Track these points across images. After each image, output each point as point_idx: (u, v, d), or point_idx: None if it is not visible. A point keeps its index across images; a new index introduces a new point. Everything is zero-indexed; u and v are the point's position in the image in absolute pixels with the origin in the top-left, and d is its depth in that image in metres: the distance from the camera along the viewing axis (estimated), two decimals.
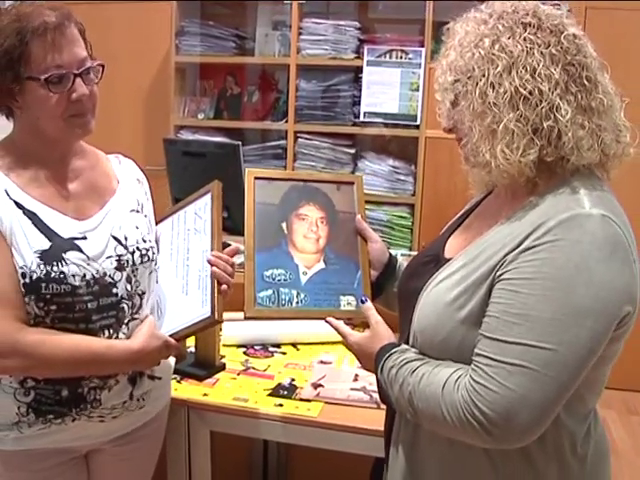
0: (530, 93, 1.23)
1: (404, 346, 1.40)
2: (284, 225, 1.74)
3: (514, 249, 1.22)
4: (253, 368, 2.27)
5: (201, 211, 1.82)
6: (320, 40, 4.14)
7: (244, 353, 2.39)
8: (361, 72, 4.09)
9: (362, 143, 4.36)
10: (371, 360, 1.44)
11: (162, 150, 3.33)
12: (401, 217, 4.07)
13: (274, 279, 1.67)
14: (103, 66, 1.61)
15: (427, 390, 1.27)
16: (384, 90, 4.03)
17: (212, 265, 1.69)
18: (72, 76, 1.53)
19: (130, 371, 1.69)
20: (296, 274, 1.69)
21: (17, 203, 1.55)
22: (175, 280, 1.79)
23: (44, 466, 1.64)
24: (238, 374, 2.22)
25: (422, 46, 3.99)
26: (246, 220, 1.72)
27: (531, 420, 1.18)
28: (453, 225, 1.56)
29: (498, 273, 1.23)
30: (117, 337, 1.63)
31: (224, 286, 1.69)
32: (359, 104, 4.11)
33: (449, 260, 1.39)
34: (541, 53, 1.24)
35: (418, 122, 4.00)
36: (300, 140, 4.24)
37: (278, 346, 2.46)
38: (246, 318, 1.66)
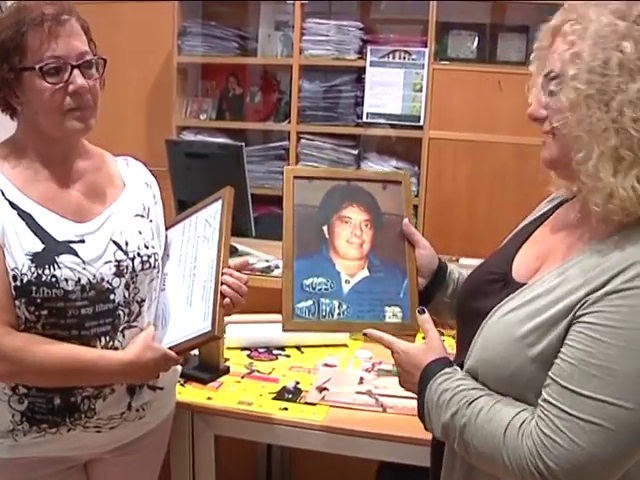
0: None
1: (460, 371, 1.30)
2: (325, 229, 1.63)
3: (598, 288, 1.13)
4: (257, 371, 2.26)
5: (211, 218, 1.76)
6: (323, 41, 4.11)
7: (248, 356, 2.38)
8: (364, 73, 4.07)
9: (365, 144, 4.34)
10: (416, 373, 1.35)
11: (164, 151, 3.32)
12: None
13: (314, 288, 1.57)
14: (105, 60, 1.58)
15: (486, 428, 1.19)
16: (387, 91, 4.00)
17: (223, 284, 1.63)
18: (69, 67, 1.50)
19: (125, 382, 1.64)
20: (338, 283, 1.58)
21: (12, 203, 1.52)
22: (181, 289, 1.74)
23: (40, 474, 1.61)
24: (242, 377, 2.20)
25: (425, 46, 3.96)
26: (285, 224, 1.61)
27: (599, 477, 1.12)
28: (519, 238, 1.45)
29: (578, 313, 1.14)
30: (113, 345, 1.59)
31: (227, 299, 1.63)
32: (362, 105, 4.08)
33: (520, 285, 1.29)
34: None
35: (421, 123, 3.97)
36: (303, 141, 4.22)
37: (282, 349, 2.45)
38: (284, 330, 1.57)
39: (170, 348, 1.63)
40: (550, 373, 1.16)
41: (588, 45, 1.14)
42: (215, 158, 3.13)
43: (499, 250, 1.50)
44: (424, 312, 1.48)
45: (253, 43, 4.43)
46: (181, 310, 1.71)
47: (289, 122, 4.24)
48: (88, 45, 1.56)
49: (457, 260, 3.05)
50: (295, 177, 1.67)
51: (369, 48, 4.03)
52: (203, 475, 2.08)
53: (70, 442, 1.62)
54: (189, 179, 3.13)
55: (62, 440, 1.60)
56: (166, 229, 1.82)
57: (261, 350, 2.42)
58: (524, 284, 1.29)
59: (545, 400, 1.15)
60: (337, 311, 1.56)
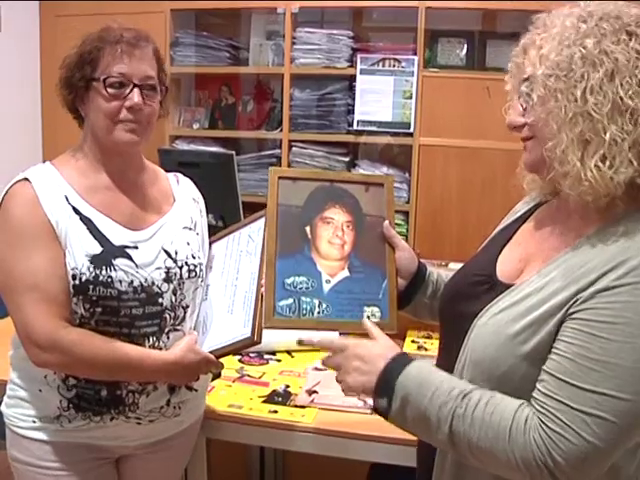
0: (635, 106, 1.15)
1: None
2: (308, 229, 1.65)
3: (589, 286, 1.16)
4: (248, 375, 2.29)
5: (254, 234, 1.84)
6: (313, 49, 4.15)
7: (239, 361, 2.41)
8: (354, 81, 4.10)
9: (356, 151, 4.38)
10: (379, 362, 1.32)
11: (157, 160, 3.35)
12: (396, 224, 4.06)
13: (295, 287, 1.59)
14: (167, 88, 1.76)
15: (487, 420, 1.19)
16: (377, 98, 4.04)
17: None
18: (131, 85, 1.65)
19: (166, 382, 1.75)
20: (319, 282, 1.61)
21: (75, 209, 1.66)
22: (223, 299, 1.81)
23: (81, 458, 1.74)
24: (233, 381, 2.24)
25: (415, 54, 4.00)
26: (268, 223, 1.65)
27: (598, 467, 1.16)
28: (500, 240, 1.48)
29: (570, 310, 1.17)
30: (158, 345, 1.72)
31: None
32: (353, 112, 4.11)
33: (508, 286, 1.32)
34: None
35: (412, 130, 4.01)
36: (294, 149, 4.25)
37: (273, 353, 2.48)
38: (265, 328, 1.60)
39: (211, 352, 1.71)
40: (545, 368, 1.18)
41: (554, 45, 1.22)
42: (207, 167, 3.15)
43: (480, 253, 1.53)
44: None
45: (245, 53, 4.48)
46: (222, 318, 1.78)
47: (281, 130, 4.28)
48: (157, 73, 1.72)
49: (446, 265, 3.08)
50: (280, 177, 1.69)
51: (359, 56, 4.06)
52: (196, 478, 2.11)
53: (111, 431, 1.74)
54: None
55: (104, 429, 1.73)
56: (210, 244, 1.94)
57: (252, 355, 2.46)
58: (510, 285, 1.32)
59: (542, 394, 1.17)
60: (317, 310, 1.58)
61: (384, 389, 1.30)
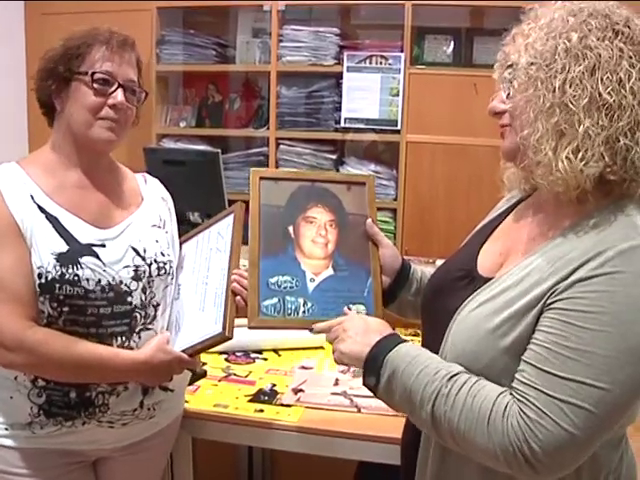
0: (613, 103, 1.16)
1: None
2: (291, 229, 1.65)
3: (566, 277, 1.17)
4: (234, 374, 2.28)
5: (224, 231, 1.84)
6: (300, 47, 4.15)
7: (225, 360, 2.40)
8: (342, 78, 4.10)
9: (344, 149, 4.38)
10: (373, 335, 1.36)
11: (142, 158, 3.34)
12: (384, 222, 4.07)
13: (280, 286, 1.59)
14: (147, 94, 1.79)
15: (469, 402, 1.19)
16: (364, 96, 4.04)
17: (233, 282, 1.70)
18: (116, 84, 1.67)
19: (138, 382, 1.73)
20: (303, 281, 1.61)
21: (40, 207, 1.63)
22: (194, 297, 1.80)
23: (52, 464, 1.70)
24: (219, 381, 2.23)
25: (402, 51, 4.00)
26: (250, 223, 1.65)
27: (576, 457, 1.16)
28: (481, 235, 1.49)
29: (549, 301, 1.18)
30: (129, 345, 1.70)
31: (238, 297, 1.69)
32: (340, 110, 4.11)
33: (487, 280, 1.32)
34: (631, 65, 1.17)
35: (399, 127, 4.01)
36: (282, 147, 4.24)
37: (260, 352, 2.47)
38: (250, 328, 1.59)
39: (183, 351, 1.70)
40: (524, 358, 1.19)
41: (540, 36, 1.23)
42: (192, 165, 3.15)
43: (462, 248, 1.54)
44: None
45: (232, 51, 4.47)
46: (194, 316, 1.77)
47: (268, 128, 4.27)
48: (137, 80, 1.74)
49: (434, 262, 3.08)
50: (261, 178, 1.70)
51: (345, 54, 4.07)
52: (182, 478, 2.10)
53: (84, 436, 1.71)
54: (167, 186, 3.14)
55: (77, 433, 1.69)
56: (181, 244, 1.93)
57: (239, 354, 2.45)
58: (490, 279, 1.33)
59: (522, 383, 1.17)
60: (302, 309, 1.59)
61: (374, 362, 1.32)
